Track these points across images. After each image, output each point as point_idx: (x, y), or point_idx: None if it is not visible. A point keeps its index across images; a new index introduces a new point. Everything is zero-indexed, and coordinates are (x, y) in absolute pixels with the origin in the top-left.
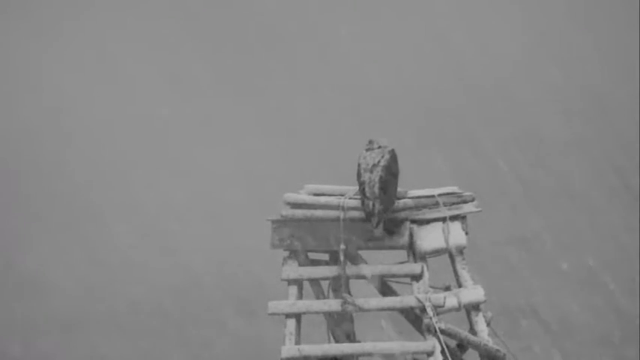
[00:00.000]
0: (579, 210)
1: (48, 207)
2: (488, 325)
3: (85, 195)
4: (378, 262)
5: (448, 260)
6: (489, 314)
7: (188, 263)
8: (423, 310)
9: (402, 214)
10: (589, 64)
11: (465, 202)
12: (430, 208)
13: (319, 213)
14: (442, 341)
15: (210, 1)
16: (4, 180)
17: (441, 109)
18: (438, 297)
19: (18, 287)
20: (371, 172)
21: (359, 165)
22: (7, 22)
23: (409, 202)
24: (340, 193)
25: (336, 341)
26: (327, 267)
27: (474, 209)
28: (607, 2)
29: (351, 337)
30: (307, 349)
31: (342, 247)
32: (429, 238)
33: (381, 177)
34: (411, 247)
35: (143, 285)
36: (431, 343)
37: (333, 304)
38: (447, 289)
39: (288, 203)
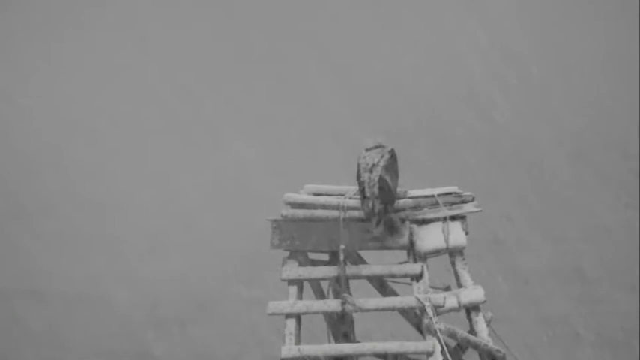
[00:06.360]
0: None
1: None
2: (488, 325)
3: (84, 192)
4: (378, 262)
5: (448, 260)
6: (489, 314)
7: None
8: (423, 310)
9: (402, 214)
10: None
11: (465, 202)
12: (430, 208)
13: (319, 213)
14: (442, 341)
15: (208, 1)
16: (4, 180)
17: (442, 110)
18: (438, 297)
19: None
20: (371, 172)
21: (359, 165)
22: (25, 20)
23: (409, 202)
24: (340, 193)
25: (336, 341)
26: (327, 267)
27: (474, 209)
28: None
29: (350, 337)
30: (307, 349)
31: (342, 247)
32: (429, 238)
33: (380, 177)
34: (411, 247)
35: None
36: (431, 343)
37: (333, 304)
38: (447, 289)
39: (288, 203)
